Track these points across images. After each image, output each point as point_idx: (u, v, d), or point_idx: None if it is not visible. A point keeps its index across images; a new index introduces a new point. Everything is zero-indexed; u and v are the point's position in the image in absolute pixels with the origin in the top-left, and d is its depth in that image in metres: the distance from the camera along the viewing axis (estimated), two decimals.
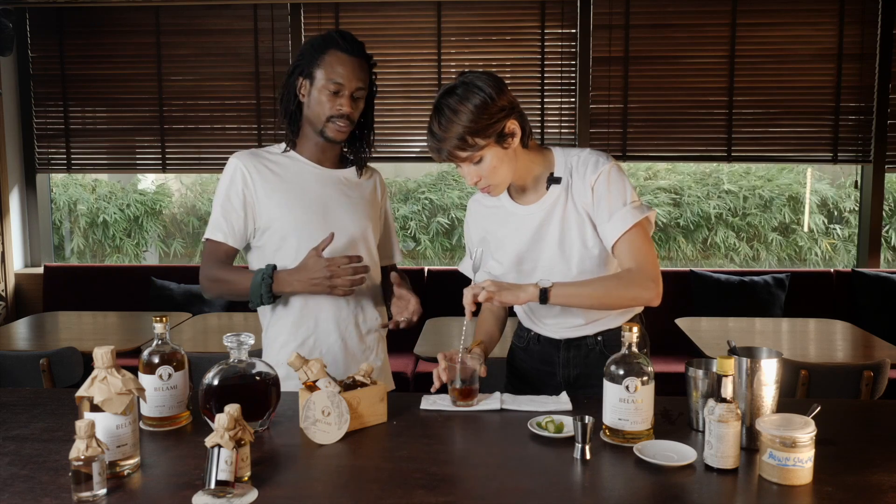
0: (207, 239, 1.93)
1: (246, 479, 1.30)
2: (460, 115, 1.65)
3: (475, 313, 1.73)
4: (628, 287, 1.69)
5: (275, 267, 1.85)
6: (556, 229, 1.78)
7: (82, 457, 1.23)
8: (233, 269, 1.92)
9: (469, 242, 1.95)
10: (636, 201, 1.74)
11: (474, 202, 1.93)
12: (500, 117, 1.67)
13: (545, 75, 4.47)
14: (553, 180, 1.78)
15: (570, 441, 1.45)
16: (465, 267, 1.95)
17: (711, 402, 1.37)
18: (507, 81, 4.73)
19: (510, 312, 2.01)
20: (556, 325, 1.86)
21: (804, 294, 4.29)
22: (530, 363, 1.93)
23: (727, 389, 1.36)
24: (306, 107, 1.91)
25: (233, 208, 1.90)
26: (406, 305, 1.90)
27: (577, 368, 1.87)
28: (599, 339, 1.84)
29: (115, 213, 5.41)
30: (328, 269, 1.78)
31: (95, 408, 1.32)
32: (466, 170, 1.72)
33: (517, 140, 1.72)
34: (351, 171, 2.00)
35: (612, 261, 1.79)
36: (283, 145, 1.97)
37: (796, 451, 1.29)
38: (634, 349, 1.49)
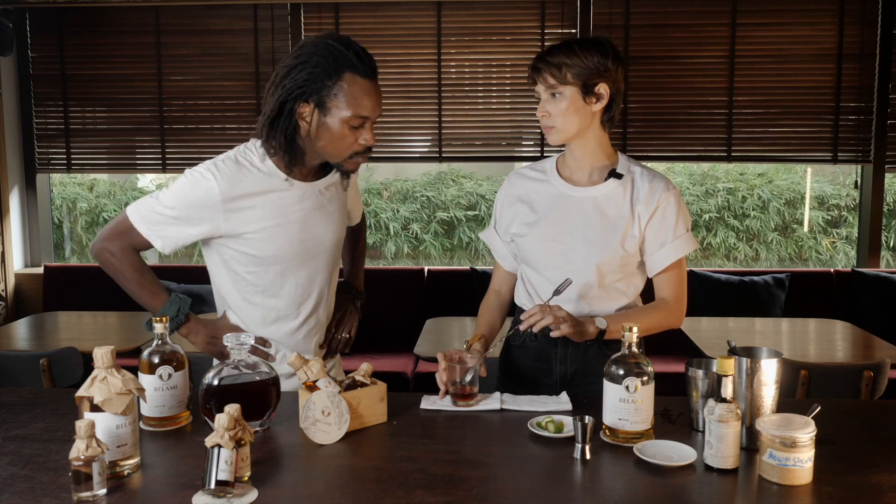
0: (131, 222, 1.72)
1: (246, 479, 1.30)
2: (567, 48, 1.75)
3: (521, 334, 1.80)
4: (668, 320, 1.83)
5: (190, 306, 1.77)
6: (600, 218, 1.81)
7: (82, 457, 1.23)
8: (143, 280, 1.77)
9: (499, 213, 1.98)
10: (691, 230, 1.86)
11: (517, 174, 1.96)
12: (598, 71, 1.74)
13: None
14: (614, 174, 1.82)
15: (570, 441, 1.45)
16: (485, 235, 2.04)
17: (711, 402, 1.37)
18: (507, 82, 4.74)
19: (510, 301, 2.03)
20: None
21: (804, 294, 4.29)
22: (525, 361, 1.93)
23: (727, 389, 1.36)
24: (315, 138, 1.68)
25: (185, 226, 1.71)
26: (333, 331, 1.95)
27: (574, 365, 1.87)
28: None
29: (115, 211, 5.40)
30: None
31: (95, 408, 1.32)
32: (542, 103, 1.79)
33: (600, 106, 1.78)
34: (330, 178, 1.83)
35: (630, 268, 1.84)
36: (269, 166, 1.73)
37: (796, 451, 1.29)
38: (634, 349, 1.49)
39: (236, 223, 1.71)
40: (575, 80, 1.74)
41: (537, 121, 1.84)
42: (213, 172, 1.70)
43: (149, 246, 1.76)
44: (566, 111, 1.76)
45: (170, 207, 1.71)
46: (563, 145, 1.86)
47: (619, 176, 1.82)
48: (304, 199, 1.77)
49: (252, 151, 1.76)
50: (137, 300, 1.80)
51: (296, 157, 1.72)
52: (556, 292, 1.75)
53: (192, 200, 1.70)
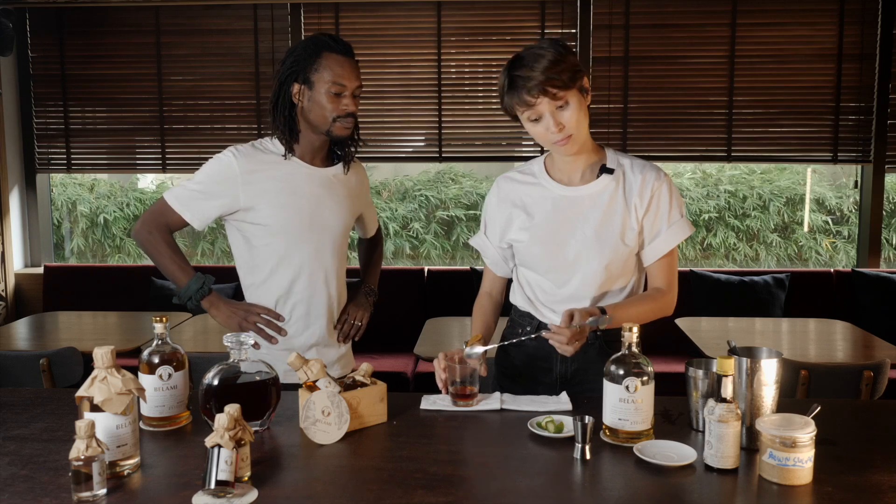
0: (166, 202, 1.97)
1: (246, 479, 1.30)
2: (546, 56, 1.69)
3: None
4: (662, 310, 1.83)
5: (211, 286, 1.98)
6: (598, 215, 1.80)
7: (82, 457, 1.23)
8: (175, 256, 1.99)
9: (490, 219, 1.95)
10: (685, 215, 1.85)
11: (506, 179, 1.93)
12: (579, 68, 1.73)
13: None
14: (606, 170, 1.81)
15: (570, 441, 1.45)
16: (476, 241, 2.01)
17: (711, 402, 1.37)
18: None
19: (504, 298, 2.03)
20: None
21: (804, 294, 4.29)
22: (524, 360, 1.92)
23: (727, 389, 1.36)
24: (307, 111, 1.95)
25: (210, 200, 1.95)
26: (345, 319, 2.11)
27: (575, 364, 1.86)
28: (599, 333, 1.84)
29: (114, 212, 5.41)
30: (251, 310, 1.98)
31: (95, 408, 1.32)
32: (547, 120, 1.71)
33: (589, 100, 1.77)
34: (338, 168, 2.06)
35: (632, 260, 1.83)
36: (281, 147, 1.99)
37: (796, 451, 1.29)
38: (634, 349, 1.49)
39: (252, 194, 1.94)
40: (573, 83, 1.71)
41: None
42: (232, 152, 1.98)
43: (182, 223, 1.99)
44: (578, 117, 1.72)
45: (198, 183, 1.97)
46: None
47: (611, 171, 1.81)
48: (313, 180, 2.00)
49: (267, 140, 2.04)
50: (167, 275, 2.00)
51: (294, 134, 1.98)
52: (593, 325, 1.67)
53: (216, 175, 1.96)
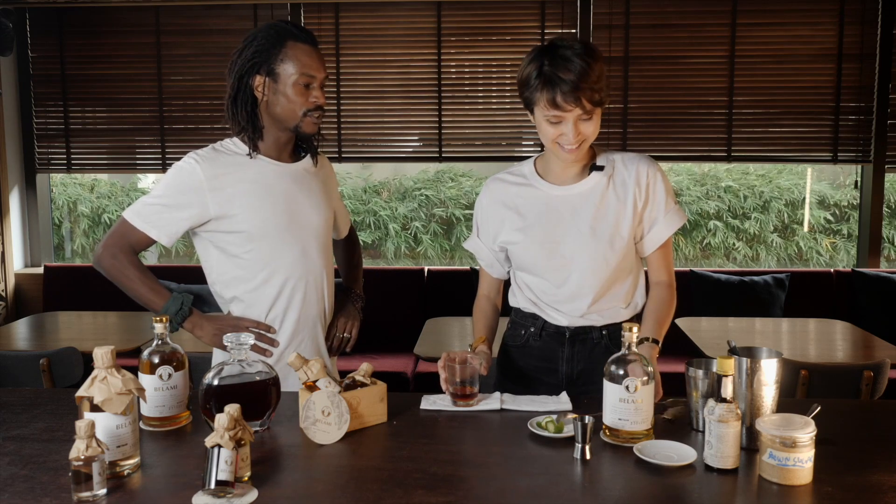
0: (127, 221, 1.83)
1: (246, 479, 1.30)
2: (583, 59, 1.65)
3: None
4: (674, 301, 1.87)
5: (192, 303, 1.85)
6: (591, 212, 1.80)
7: (82, 457, 1.23)
8: (146, 278, 1.83)
9: (482, 221, 1.94)
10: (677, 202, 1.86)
11: (496, 181, 1.91)
12: (606, 84, 1.72)
13: None
14: (596, 167, 1.81)
15: (570, 441, 1.45)
16: (470, 245, 2.00)
17: (711, 402, 1.37)
18: (507, 82, 4.74)
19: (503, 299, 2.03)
20: (571, 311, 1.85)
21: (804, 294, 4.29)
22: (528, 361, 1.92)
23: (727, 389, 1.36)
24: (272, 105, 1.83)
25: (176, 212, 1.82)
26: (335, 332, 2.00)
27: (581, 363, 1.86)
28: (605, 332, 1.84)
29: (115, 212, 5.41)
30: (239, 324, 1.86)
31: (95, 408, 1.32)
32: (567, 126, 1.69)
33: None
34: (307, 162, 1.95)
35: (630, 251, 1.83)
36: (244, 146, 1.88)
37: (796, 451, 1.29)
38: (634, 349, 1.49)
39: (222, 201, 1.82)
40: (604, 101, 1.71)
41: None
42: (194, 158, 1.84)
43: (147, 241, 1.84)
44: (595, 130, 1.73)
45: (159, 196, 1.83)
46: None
47: (601, 168, 1.82)
48: (283, 177, 1.89)
49: (228, 141, 1.92)
50: (140, 300, 1.85)
51: (258, 131, 1.86)
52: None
53: (179, 186, 1.82)
